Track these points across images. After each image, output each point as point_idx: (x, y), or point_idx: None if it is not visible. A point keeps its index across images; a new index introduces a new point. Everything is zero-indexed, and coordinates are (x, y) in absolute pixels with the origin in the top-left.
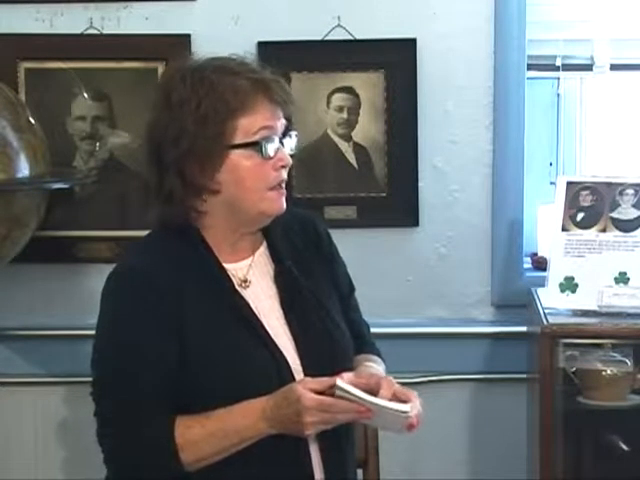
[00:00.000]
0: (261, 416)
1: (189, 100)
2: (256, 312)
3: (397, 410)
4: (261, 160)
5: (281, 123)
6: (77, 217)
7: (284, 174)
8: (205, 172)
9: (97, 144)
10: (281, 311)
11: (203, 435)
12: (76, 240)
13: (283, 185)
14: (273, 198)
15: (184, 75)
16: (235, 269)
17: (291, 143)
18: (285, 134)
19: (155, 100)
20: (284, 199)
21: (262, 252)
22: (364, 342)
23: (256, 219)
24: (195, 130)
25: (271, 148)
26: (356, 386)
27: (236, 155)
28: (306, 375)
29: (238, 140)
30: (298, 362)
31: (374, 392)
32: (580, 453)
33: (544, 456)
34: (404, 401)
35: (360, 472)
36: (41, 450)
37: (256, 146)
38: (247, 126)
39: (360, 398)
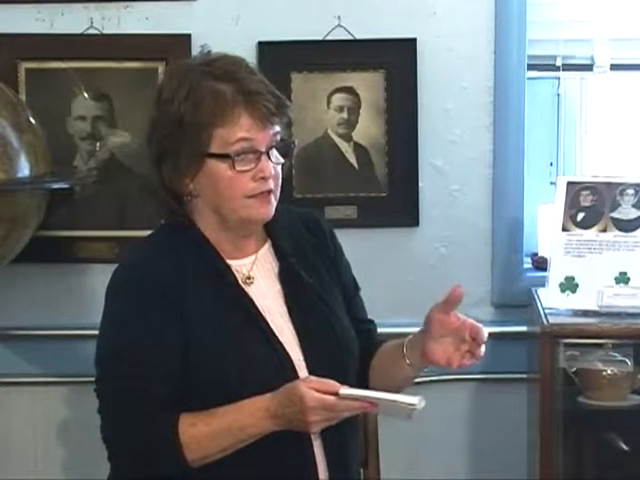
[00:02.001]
0: (265, 414)
1: (172, 101)
2: (260, 309)
3: (405, 403)
4: (233, 171)
5: (266, 134)
6: (77, 217)
7: (268, 184)
8: (180, 175)
9: (97, 144)
10: (285, 308)
11: (207, 433)
12: (76, 240)
13: (270, 194)
14: (253, 205)
15: (173, 74)
16: (239, 266)
17: (282, 153)
18: (278, 144)
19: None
20: (270, 206)
21: (266, 250)
22: (374, 341)
23: (242, 224)
24: (174, 133)
25: (245, 162)
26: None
27: (212, 163)
28: (310, 372)
29: (214, 149)
30: (302, 359)
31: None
32: (580, 453)
33: (544, 456)
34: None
35: (360, 472)
36: (41, 450)
37: (229, 159)
38: (225, 137)
39: (366, 397)
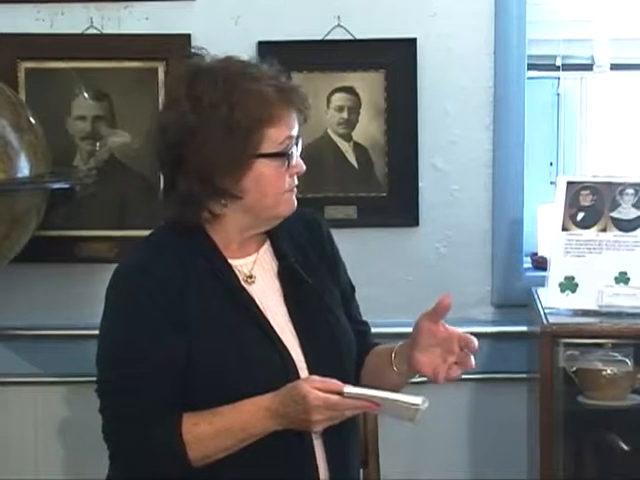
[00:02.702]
0: (267, 414)
1: (219, 106)
2: (261, 308)
3: (408, 403)
4: (283, 169)
5: (296, 130)
6: (77, 217)
7: (296, 179)
8: (230, 179)
9: (97, 144)
10: (285, 307)
11: (210, 432)
12: (76, 240)
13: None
14: (287, 200)
15: (215, 79)
16: (241, 265)
17: (300, 148)
18: (297, 140)
19: (175, 99)
20: (295, 200)
21: (266, 249)
22: (370, 342)
23: (270, 221)
24: (223, 137)
25: (294, 157)
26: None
27: (261, 163)
28: (310, 372)
29: (265, 150)
30: (302, 358)
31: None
32: (580, 453)
33: (544, 456)
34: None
35: (360, 472)
36: (41, 450)
37: (283, 157)
38: (274, 136)
39: (371, 396)
